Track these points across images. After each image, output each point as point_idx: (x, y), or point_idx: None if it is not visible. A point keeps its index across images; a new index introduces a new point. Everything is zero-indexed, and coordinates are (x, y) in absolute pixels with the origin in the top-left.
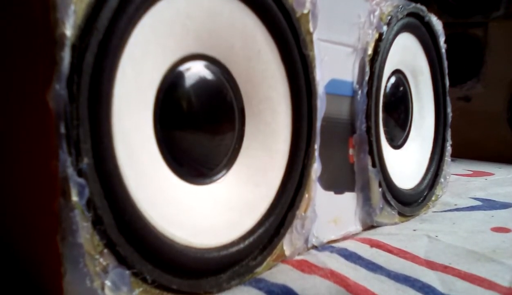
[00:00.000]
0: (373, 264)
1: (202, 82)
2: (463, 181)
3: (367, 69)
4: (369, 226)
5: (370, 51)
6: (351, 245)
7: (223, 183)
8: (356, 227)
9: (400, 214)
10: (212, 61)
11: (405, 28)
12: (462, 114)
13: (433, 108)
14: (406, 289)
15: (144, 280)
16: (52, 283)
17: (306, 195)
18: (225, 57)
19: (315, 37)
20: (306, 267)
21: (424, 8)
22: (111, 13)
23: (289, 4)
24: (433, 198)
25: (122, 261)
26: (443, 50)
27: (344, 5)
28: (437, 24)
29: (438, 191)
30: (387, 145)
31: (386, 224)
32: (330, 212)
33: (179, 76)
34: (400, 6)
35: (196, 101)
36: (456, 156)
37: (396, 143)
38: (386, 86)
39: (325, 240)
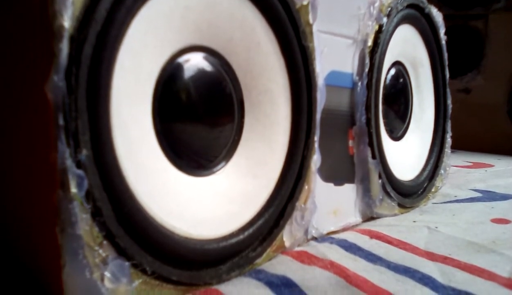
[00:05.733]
0: (373, 255)
1: (201, 74)
2: (463, 173)
3: (367, 61)
4: (369, 217)
5: (370, 43)
6: (350, 236)
7: (223, 174)
8: (355, 218)
9: (400, 205)
10: (211, 53)
11: (405, 19)
12: (462, 106)
13: (433, 100)
14: (406, 280)
15: (144, 271)
16: (52, 274)
17: (306, 187)
18: (224, 48)
19: (314, 28)
20: (306, 258)
21: None
22: (109, 4)
23: None
24: (433, 190)
25: (121, 252)
26: (443, 42)
27: None
28: (437, 16)
29: (438, 182)
30: (387, 137)
31: (386, 215)
32: (330, 204)
33: (178, 68)
34: None
35: (195, 93)
36: (456, 147)
37: (396, 135)
38: (386, 78)
39: (324, 231)
